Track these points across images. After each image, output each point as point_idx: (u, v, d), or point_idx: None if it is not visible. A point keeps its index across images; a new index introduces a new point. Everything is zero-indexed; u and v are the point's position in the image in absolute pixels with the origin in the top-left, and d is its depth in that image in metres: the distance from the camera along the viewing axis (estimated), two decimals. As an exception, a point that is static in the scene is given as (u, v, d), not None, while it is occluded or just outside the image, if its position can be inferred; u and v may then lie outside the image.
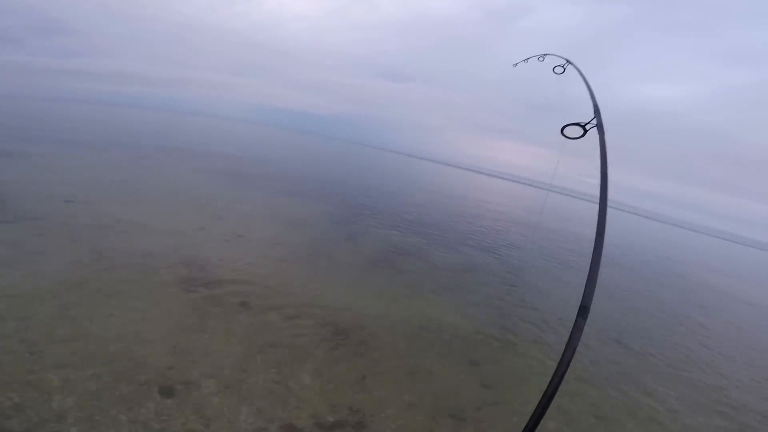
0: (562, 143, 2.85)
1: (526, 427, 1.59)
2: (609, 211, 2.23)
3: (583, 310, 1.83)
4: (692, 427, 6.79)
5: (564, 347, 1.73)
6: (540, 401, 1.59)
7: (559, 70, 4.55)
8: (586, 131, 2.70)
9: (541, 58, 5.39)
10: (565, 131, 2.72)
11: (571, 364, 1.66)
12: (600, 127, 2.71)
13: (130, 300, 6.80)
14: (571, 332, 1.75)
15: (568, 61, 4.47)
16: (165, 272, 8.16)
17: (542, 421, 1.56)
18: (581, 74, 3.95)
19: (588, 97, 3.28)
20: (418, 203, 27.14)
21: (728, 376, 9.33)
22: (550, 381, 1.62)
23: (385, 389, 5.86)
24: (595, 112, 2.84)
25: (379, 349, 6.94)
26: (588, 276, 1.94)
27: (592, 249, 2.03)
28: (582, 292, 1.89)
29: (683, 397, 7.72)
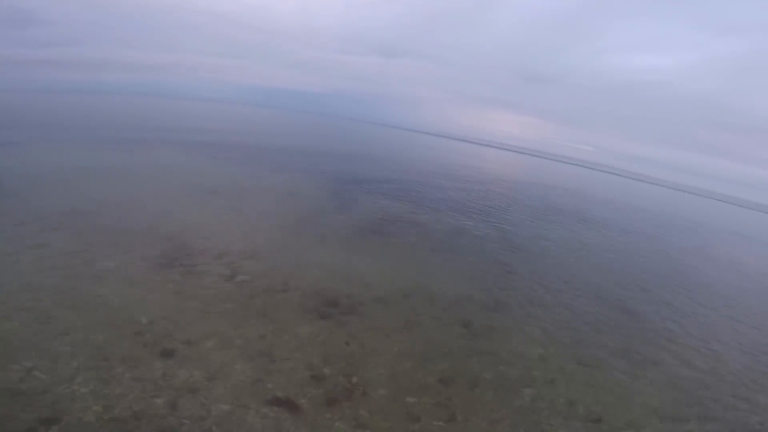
0: None
1: None
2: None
3: None
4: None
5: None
6: None
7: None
8: None
9: None
10: None
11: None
12: None
13: (125, 270, 7.02)
14: None
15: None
16: (153, 245, 8.30)
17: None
18: None
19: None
20: (411, 171, 26.98)
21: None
22: None
23: (376, 342, 6.15)
24: None
25: (368, 311, 7.17)
26: None
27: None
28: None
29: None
